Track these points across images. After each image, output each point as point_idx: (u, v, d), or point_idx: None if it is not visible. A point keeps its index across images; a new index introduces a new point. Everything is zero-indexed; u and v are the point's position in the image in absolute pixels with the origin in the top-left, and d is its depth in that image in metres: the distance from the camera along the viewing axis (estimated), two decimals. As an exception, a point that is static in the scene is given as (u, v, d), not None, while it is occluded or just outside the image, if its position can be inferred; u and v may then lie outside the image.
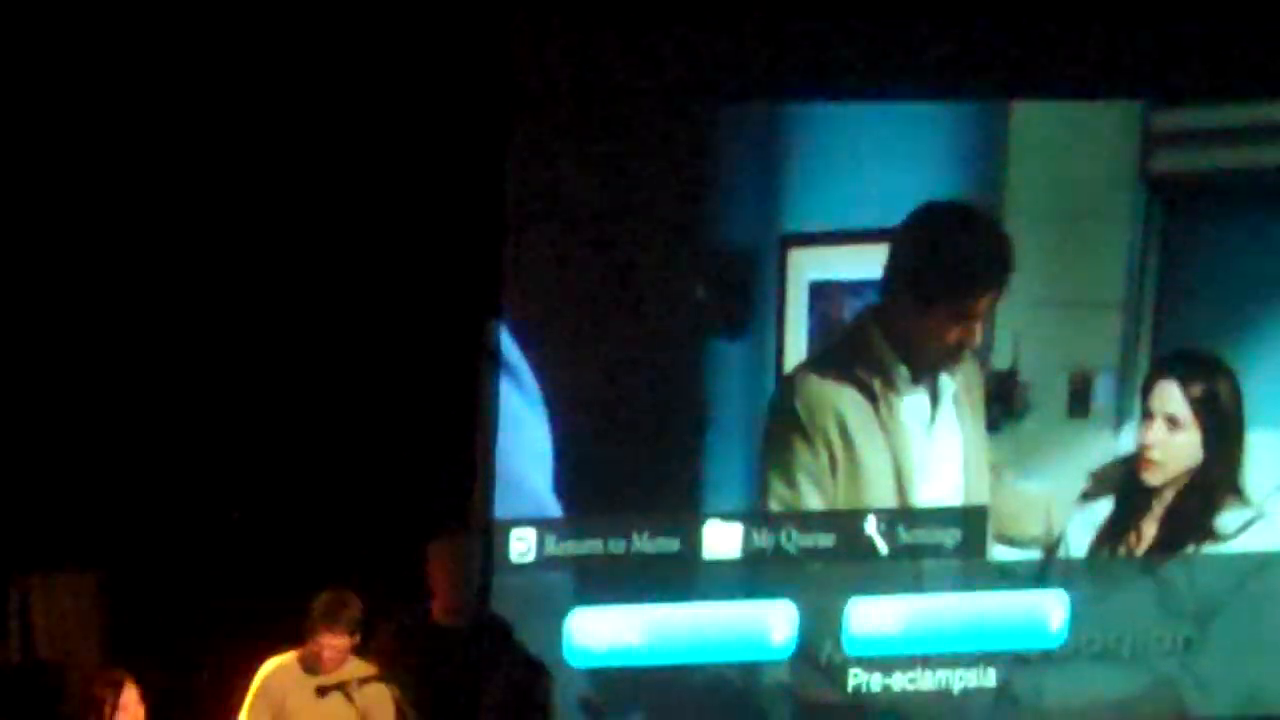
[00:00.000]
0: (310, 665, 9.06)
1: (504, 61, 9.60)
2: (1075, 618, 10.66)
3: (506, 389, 9.81)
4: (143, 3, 9.24)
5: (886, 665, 10.57)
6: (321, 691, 8.97)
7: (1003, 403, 10.41)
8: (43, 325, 9.54)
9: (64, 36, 9.28)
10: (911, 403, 10.31)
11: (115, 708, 8.74)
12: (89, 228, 9.49)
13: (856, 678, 10.52)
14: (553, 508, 9.98)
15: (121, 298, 9.61)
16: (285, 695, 9.11)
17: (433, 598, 9.32)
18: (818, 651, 10.46)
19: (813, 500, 10.27)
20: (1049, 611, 10.67)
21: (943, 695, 10.63)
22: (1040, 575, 10.67)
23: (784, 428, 10.18)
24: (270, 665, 9.15)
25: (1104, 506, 10.67)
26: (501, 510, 9.90)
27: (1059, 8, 10.05)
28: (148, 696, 8.85)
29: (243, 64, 9.38)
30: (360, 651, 9.12)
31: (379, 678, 9.01)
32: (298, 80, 9.44)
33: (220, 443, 9.74)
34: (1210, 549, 10.78)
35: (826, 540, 10.35)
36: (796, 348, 10.19)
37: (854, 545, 10.38)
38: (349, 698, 8.96)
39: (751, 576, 10.34)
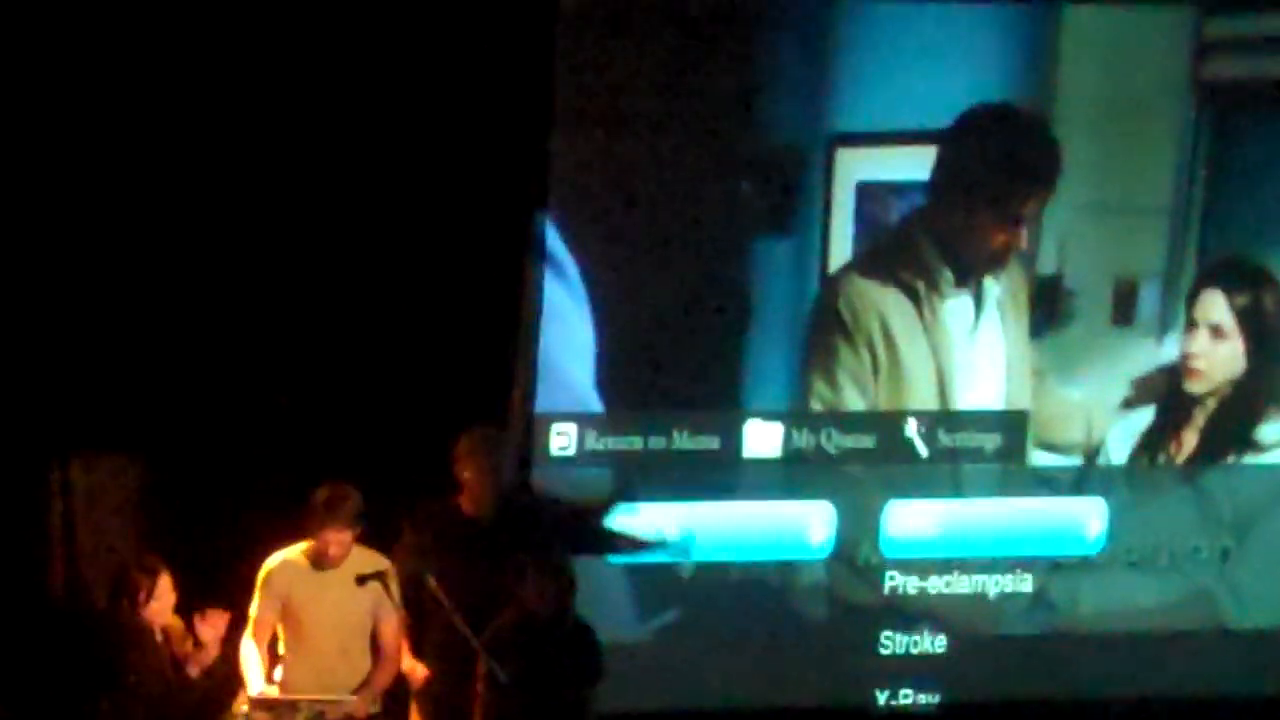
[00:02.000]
0: (317, 560, 9.08)
1: None
2: (1113, 525, 10.56)
3: (551, 283, 9.75)
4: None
5: (923, 568, 10.52)
6: (361, 580, 8.92)
7: (1047, 308, 10.32)
8: (96, 213, 9.45)
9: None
10: (955, 306, 10.21)
11: (150, 594, 8.78)
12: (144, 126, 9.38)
13: (893, 580, 10.47)
14: (594, 402, 9.94)
15: (185, 195, 9.51)
16: (293, 588, 9.10)
17: (462, 490, 9.27)
18: (854, 553, 10.41)
19: (854, 401, 10.22)
20: (1087, 518, 10.56)
21: (978, 600, 10.58)
22: (1079, 482, 10.57)
23: (827, 328, 10.13)
24: (275, 560, 9.15)
25: (1145, 415, 10.56)
26: (543, 404, 9.85)
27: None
28: (178, 583, 8.89)
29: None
30: (375, 542, 9.15)
31: (408, 568, 9.05)
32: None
33: (266, 332, 9.66)
34: (1250, 459, 10.69)
35: (867, 441, 10.31)
36: (841, 248, 10.10)
37: (894, 447, 10.31)
38: (386, 586, 8.93)
39: (791, 476, 10.27)
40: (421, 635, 9.10)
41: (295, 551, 9.03)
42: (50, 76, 9.23)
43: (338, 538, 8.86)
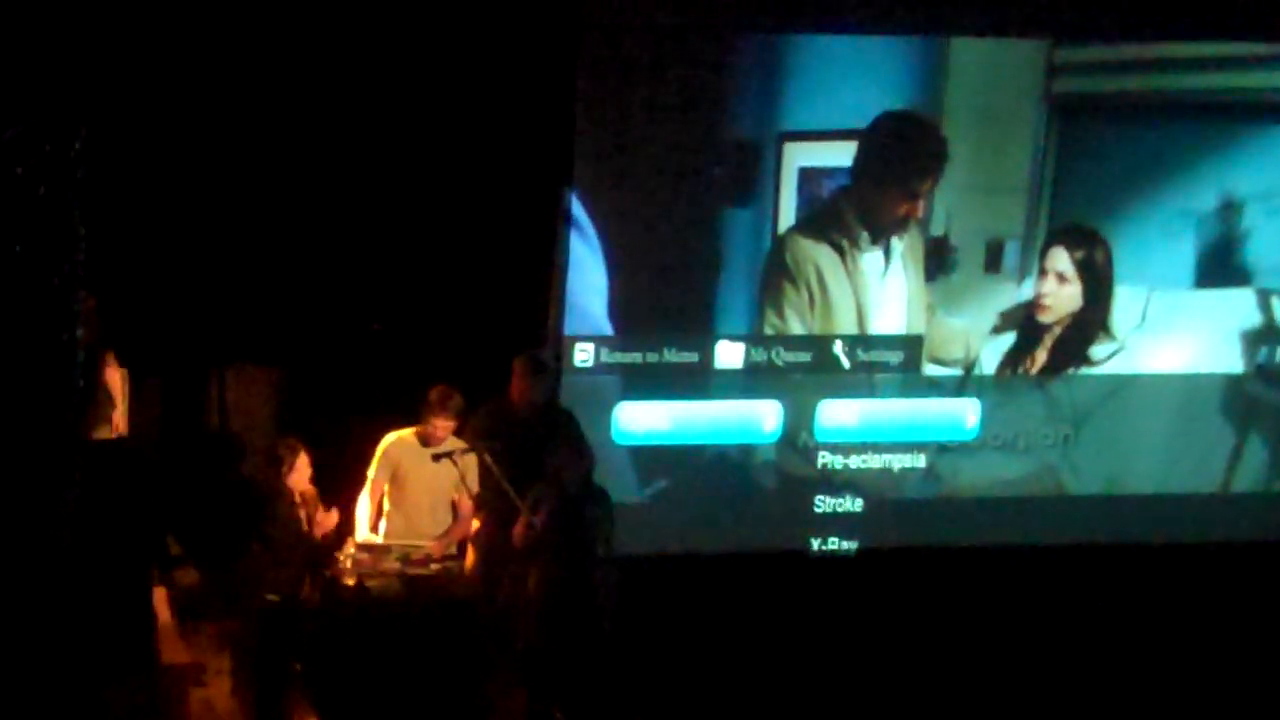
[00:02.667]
0: (424, 440, 9.47)
1: (576, 6, 9.81)
2: (985, 419, 10.93)
3: (575, 240, 10.10)
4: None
5: (846, 449, 10.83)
6: (436, 458, 9.37)
7: (937, 260, 10.62)
8: (249, 194, 9.77)
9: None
10: (870, 258, 10.54)
11: (291, 467, 9.09)
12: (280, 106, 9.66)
13: (824, 458, 10.83)
14: (606, 328, 10.30)
15: (309, 185, 9.79)
16: (401, 459, 9.51)
17: (514, 393, 9.63)
18: (796, 438, 10.76)
19: (796, 327, 10.54)
20: (965, 413, 10.93)
21: (885, 472, 10.92)
22: (960, 387, 10.89)
23: (776, 274, 10.46)
24: (391, 437, 9.54)
25: (1008, 338, 10.90)
26: (569, 329, 10.23)
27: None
28: (314, 460, 9.19)
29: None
30: (458, 431, 9.51)
31: (473, 448, 9.38)
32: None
33: (373, 277, 9.96)
34: (1085, 371, 11.01)
35: (805, 357, 10.61)
36: (787, 216, 10.40)
37: (825, 361, 10.62)
38: (454, 462, 9.39)
39: (750, 382, 10.60)
40: (479, 495, 9.45)
41: (408, 432, 9.45)
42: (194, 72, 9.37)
43: (444, 425, 9.34)
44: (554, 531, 8.94)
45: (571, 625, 8.97)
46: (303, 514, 9.18)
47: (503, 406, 9.63)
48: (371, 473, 9.48)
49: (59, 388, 7.63)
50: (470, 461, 9.42)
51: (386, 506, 9.55)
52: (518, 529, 9.00)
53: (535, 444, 9.34)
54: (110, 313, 8.83)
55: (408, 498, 9.49)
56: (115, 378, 9.10)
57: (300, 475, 9.14)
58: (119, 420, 9.15)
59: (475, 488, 9.45)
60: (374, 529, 9.51)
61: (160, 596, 8.84)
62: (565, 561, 8.97)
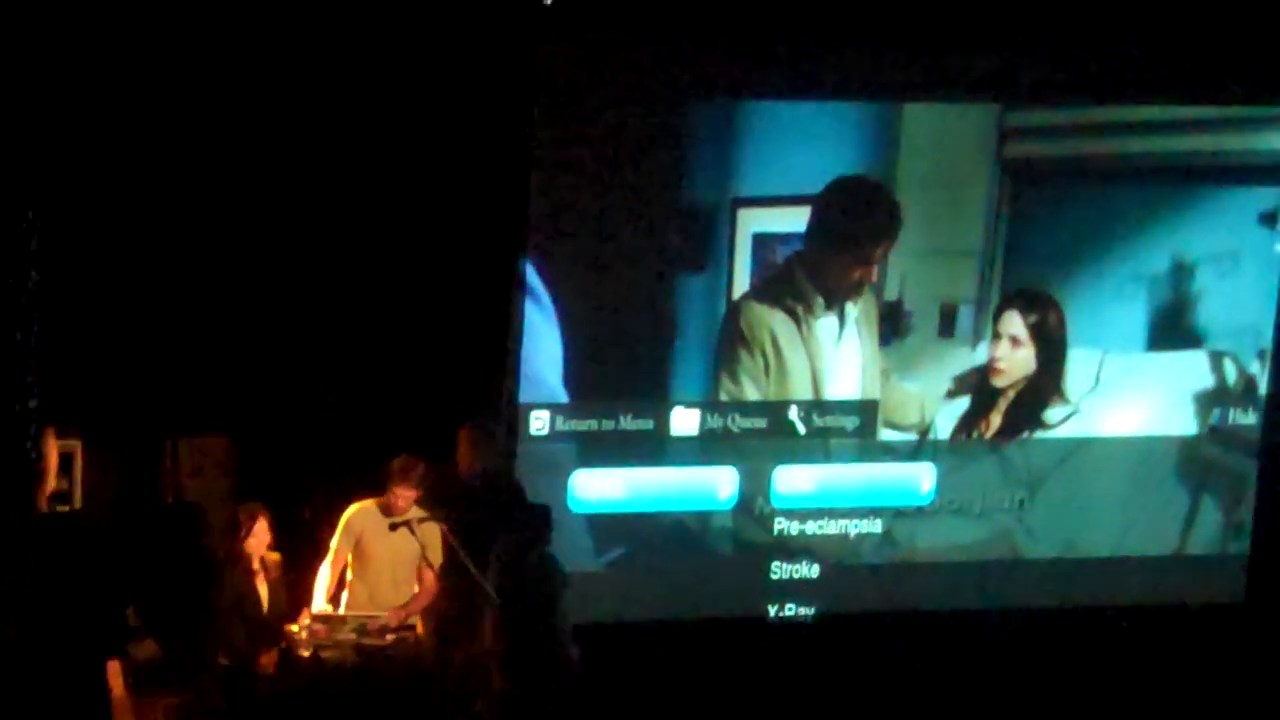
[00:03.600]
0: (386, 509, 9.50)
1: (532, 74, 9.79)
2: (940, 483, 10.96)
3: (530, 308, 10.09)
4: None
5: (802, 515, 10.83)
6: (393, 527, 9.36)
7: (892, 325, 10.67)
8: (201, 265, 9.74)
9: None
10: (825, 323, 10.57)
11: (249, 531, 9.13)
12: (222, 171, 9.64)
13: (780, 524, 10.82)
14: (562, 395, 10.28)
15: (265, 266, 9.81)
16: (364, 529, 9.53)
17: (459, 463, 9.68)
18: (752, 505, 10.75)
19: (751, 393, 10.57)
20: (921, 478, 10.95)
21: (842, 538, 10.91)
22: (915, 452, 10.92)
23: (731, 340, 10.48)
24: (354, 508, 9.58)
25: (963, 402, 10.93)
26: (524, 397, 10.20)
27: (942, 36, 10.24)
28: (275, 530, 9.26)
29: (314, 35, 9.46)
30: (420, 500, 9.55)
31: (431, 518, 9.37)
32: (386, 66, 9.55)
33: (324, 346, 9.96)
34: (1040, 435, 11.06)
35: (760, 423, 10.64)
36: (742, 281, 10.43)
37: (780, 427, 10.65)
38: (412, 531, 9.34)
39: (705, 448, 10.60)
40: (441, 566, 9.36)
41: (370, 502, 9.51)
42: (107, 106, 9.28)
43: (405, 494, 9.38)
44: (509, 602, 8.89)
45: (528, 695, 8.90)
46: (261, 580, 9.23)
47: (450, 477, 9.64)
48: (334, 543, 9.51)
49: (13, 460, 7.77)
50: (433, 532, 9.37)
51: (349, 577, 9.58)
52: (475, 597, 8.92)
53: (485, 514, 9.33)
54: (63, 383, 8.60)
55: (370, 568, 9.53)
56: (52, 450, 8.88)
57: (259, 540, 9.19)
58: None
59: (438, 559, 9.40)
60: (334, 600, 9.56)
61: (114, 669, 8.71)
62: (521, 632, 8.92)
